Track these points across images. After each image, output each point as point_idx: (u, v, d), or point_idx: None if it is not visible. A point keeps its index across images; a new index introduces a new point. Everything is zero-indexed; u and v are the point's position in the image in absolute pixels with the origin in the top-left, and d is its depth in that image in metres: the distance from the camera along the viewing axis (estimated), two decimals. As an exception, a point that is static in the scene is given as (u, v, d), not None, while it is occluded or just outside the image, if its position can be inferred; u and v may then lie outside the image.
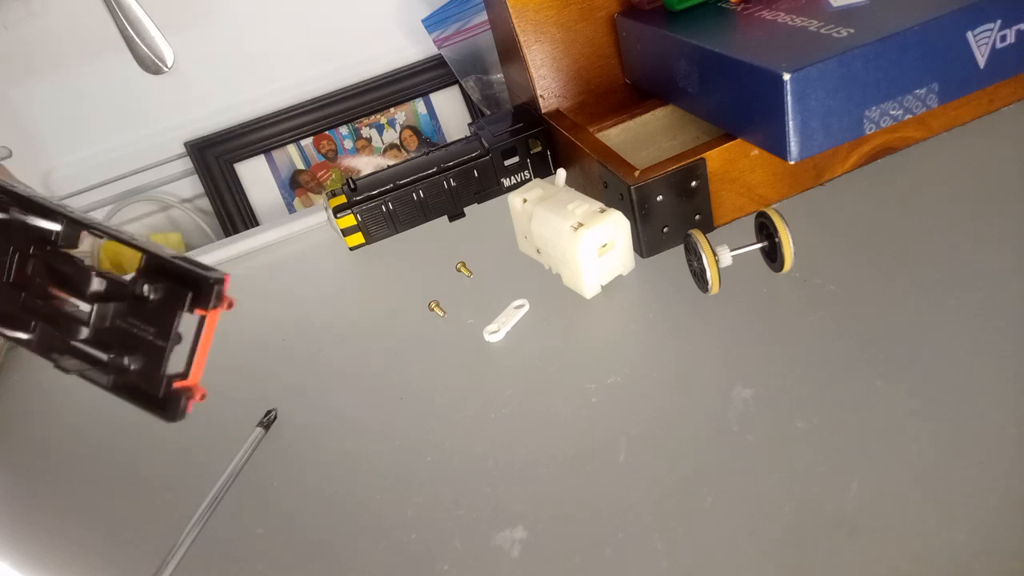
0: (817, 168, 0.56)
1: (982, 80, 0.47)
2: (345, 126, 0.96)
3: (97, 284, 0.27)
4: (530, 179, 0.67)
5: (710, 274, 0.47)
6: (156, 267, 0.26)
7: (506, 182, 0.67)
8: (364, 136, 0.97)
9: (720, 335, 0.48)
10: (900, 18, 0.45)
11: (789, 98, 0.44)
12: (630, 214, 0.53)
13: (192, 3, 0.89)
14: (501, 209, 0.61)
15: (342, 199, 0.64)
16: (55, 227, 0.27)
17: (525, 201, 0.56)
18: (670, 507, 0.38)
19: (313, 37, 0.94)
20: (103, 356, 0.27)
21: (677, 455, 0.41)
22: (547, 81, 0.66)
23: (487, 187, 0.66)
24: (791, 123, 0.45)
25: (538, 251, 0.57)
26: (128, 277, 0.27)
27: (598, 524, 0.38)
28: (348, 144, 0.97)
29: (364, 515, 0.43)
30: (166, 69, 0.76)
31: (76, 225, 0.27)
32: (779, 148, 0.47)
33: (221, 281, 0.26)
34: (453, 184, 0.65)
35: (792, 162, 0.47)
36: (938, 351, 0.42)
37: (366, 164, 0.98)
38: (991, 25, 0.45)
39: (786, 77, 0.43)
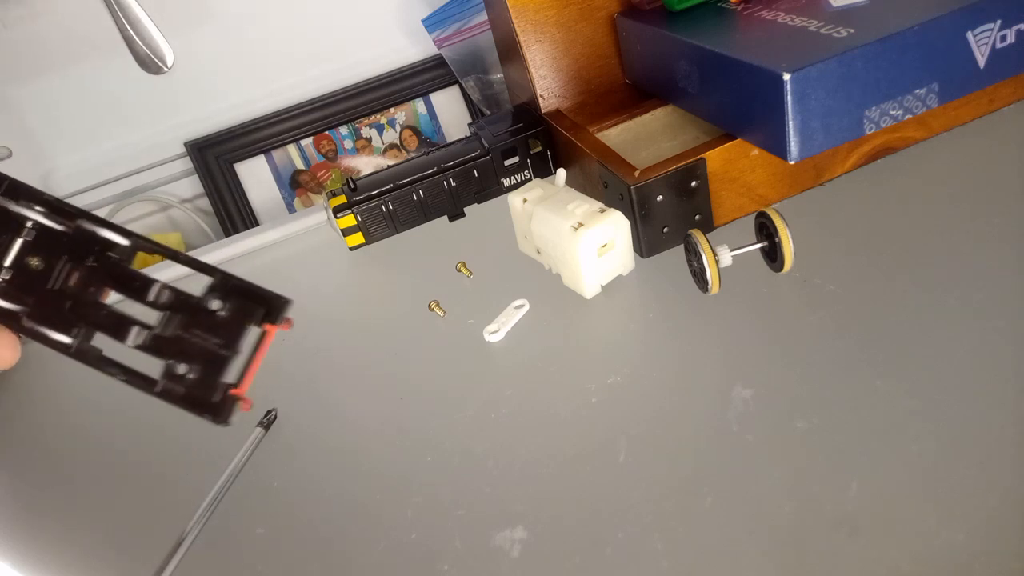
0: (817, 168, 0.56)
1: (982, 80, 0.47)
2: (345, 126, 0.96)
3: (158, 294, 0.29)
4: (530, 179, 0.67)
5: (710, 274, 0.47)
6: (226, 286, 0.29)
7: (506, 182, 0.67)
8: (364, 136, 0.97)
9: (720, 335, 0.48)
10: (900, 18, 0.45)
11: (789, 98, 0.44)
12: (630, 214, 0.53)
13: (192, 3, 0.89)
14: (501, 209, 0.61)
15: (342, 199, 0.64)
16: (123, 241, 0.29)
17: (525, 201, 0.56)
18: (670, 507, 0.38)
19: (313, 37, 0.94)
20: (158, 364, 0.29)
21: (677, 455, 0.41)
22: (547, 81, 0.66)
23: (487, 187, 0.66)
24: (791, 123, 0.45)
25: (538, 251, 0.57)
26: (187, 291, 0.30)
27: (598, 524, 0.38)
28: (348, 144, 0.97)
29: (364, 515, 0.43)
30: (166, 69, 0.76)
31: (139, 241, 0.30)
32: (779, 148, 0.47)
33: (288, 302, 0.29)
34: (453, 184, 0.65)
35: (792, 162, 0.47)
36: (938, 351, 0.42)
37: (366, 164, 0.98)
38: (991, 25, 0.45)
39: (786, 77, 0.43)
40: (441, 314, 0.56)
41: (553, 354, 0.50)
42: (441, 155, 0.65)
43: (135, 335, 0.29)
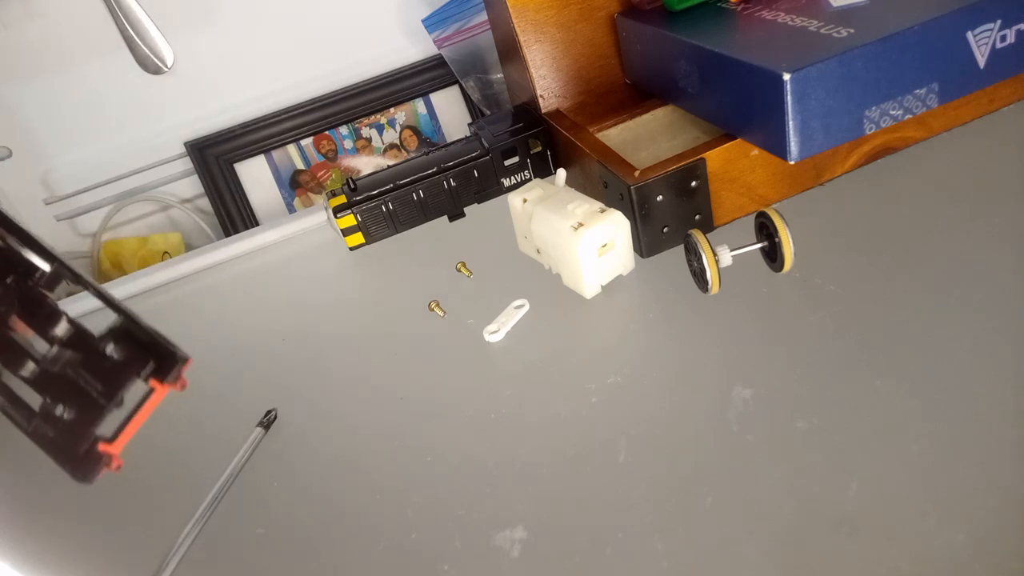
0: (817, 168, 0.56)
1: (982, 80, 0.47)
2: (345, 126, 0.96)
3: (64, 329, 0.27)
4: (530, 179, 0.67)
5: (710, 274, 0.47)
6: (127, 331, 0.26)
7: (506, 182, 0.67)
8: (364, 136, 0.97)
9: (720, 335, 0.48)
10: (900, 18, 0.45)
11: (789, 98, 0.44)
12: (630, 214, 0.53)
13: (192, 3, 0.89)
14: (501, 209, 0.61)
15: (342, 199, 0.64)
16: (45, 265, 0.27)
17: (525, 201, 0.56)
18: (670, 507, 0.38)
19: (313, 37, 0.94)
20: (37, 398, 0.27)
21: (677, 455, 0.41)
22: (547, 81, 0.66)
23: (487, 187, 0.66)
24: (791, 123, 0.45)
25: (538, 251, 0.57)
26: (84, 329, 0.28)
27: (598, 524, 0.38)
28: (348, 144, 0.97)
29: (364, 515, 0.43)
30: (166, 69, 0.76)
31: (65, 271, 0.27)
32: (779, 148, 0.47)
33: (185, 360, 0.26)
34: (453, 184, 0.65)
35: (792, 162, 0.47)
36: (938, 351, 0.42)
37: (366, 164, 0.98)
38: (991, 25, 0.45)
39: (786, 77, 0.43)
40: (441, 314, 0.56)
41: (553, 354, 0.50)
42: (441, 155, 0.65)
43: (24, 364, 0.27)
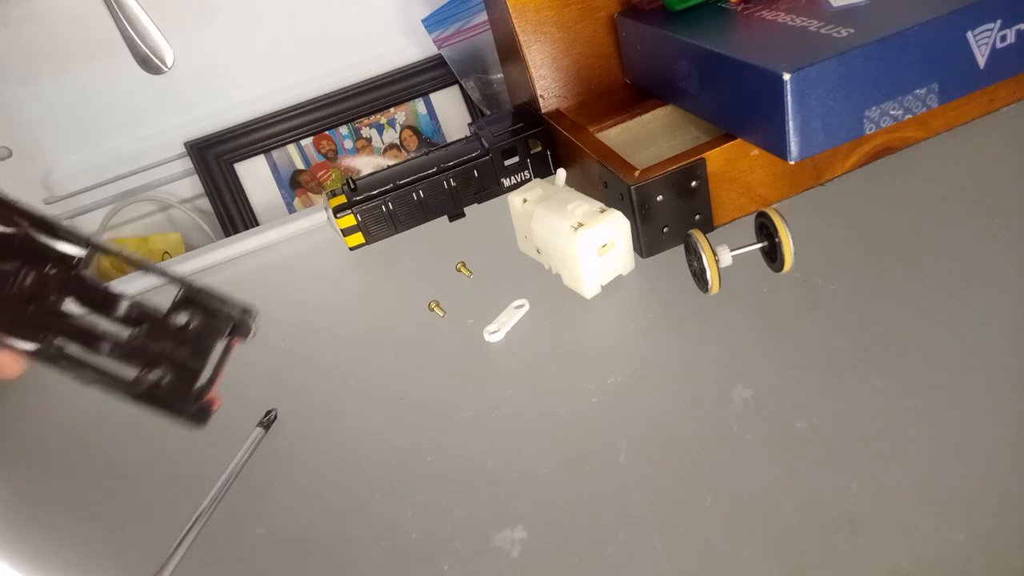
0: (817, 168, 0.56)
1: (982, 80, 0.47)
2: (345, 126, 0.96)
3: (125, 308, 0.30)
4: (530, 179, 0.67)
5: (710, 274, 0.47)
6: (191, 298, 0.30)
7: (506, 182, 0.67)
8: (364, 136, 0.97)
9: (720, 335, 0.48)
10: (900, 18, 0.45)
11: (789, 98, 0.44)
12: (630, 214, 0.53)
13: (192, 3, 0.89)
14: (501, 209, 0.61)
15: (342, 199, 0.64)
16: (78, 251, 0.29)
17: (525, 201, 0.56)
18: (670, 507, 0.38)
19: (313, 37, 0.94)
20: (131, 371, 0.30)
21: (677, 455, 0.41)
22: (547, 81, 0.66)
23: (487, 187, 0.66)
24: (791, 123, 0.45)
25: (538, 251, 0.57)
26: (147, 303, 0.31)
27: (598, 524, 0.38)
28: (348, 144, 0.97)
29: (364, 515, 0.43)
30: (166, 69, 0.76)
31: (97, 250, 0.30)
32: (779, 148, 0.47)
33: (255, 314, 0.30)
34: (453, 184, 0.65)
35: (792, 162, 0.47)
36: (938, 351, 0.42)
37: (366, 164, 0.98)
38: (991, 25, 0.45)
39: (786, 77, 0.43)
40: (441, 314, 0.56)
41: (553, 354, 0.50)
42: (441, 155, 0.65)
43: (105, 345, 0.30)
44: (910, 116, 0.47)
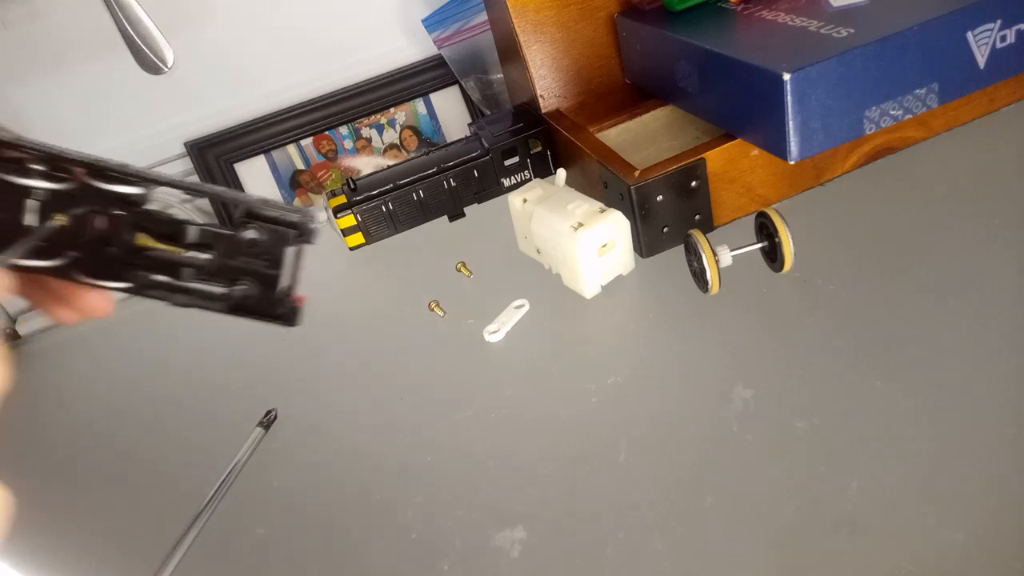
0: (817, 168, 0.56)
1: (982, 80, 0.47)
2: (345, 126, 0.96)
3: (194, 234, 0.32)
4: (530, 179, 0.67)
5: (710, 274, 0.47)
6: (254, 214, 0.31)
7: (506, 182, 0.67)
8: (364, 136, 0.97)
9: (720, 335, 0.48)
10: (900, 18, 0.45)
11: (789, 98, 0.44)
12: (630, 214, 0.53)
13: (192, 3, 0.89)
14: (501, 209, 0.61)
15: (342, 199, 0.64)
16: (135, 190, 0.31)
17: (525, 201, 0.56)
18: (670, 507, 0.38)
19: (313, 37, 0.94)
20: (217, 289, 0.32)
21: (677, 455, 0.41)
22: (547, 81, 0.66)
23: (487, 187, 0.66)
24: (791, 123, 0.45)
25: (538, 251, 0.57)
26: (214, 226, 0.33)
27: (598, 524, 0.38)
28: (348, 144, 0.97)
29: (364, 515, 0.43)
30: (166, 69, 0.76)
31: (152, 184, 0.31)
32: (779, 148, 0.46)
33: (315, 220, 0.32)
34: (453, 184, 0.65)
35: (792, 162, 0.46)
36: (938, 351, 0.42)
37: (366, 164, 0.98)
38: (991, 25, 0.45)
39: (786, 77, 0.43)
40: (441, 314, 0.56)
41: (553, 354, 0.50)
42: (441, 155, 0.65)
43: (187, 271, 0.32)
44: (910, 116, 0.47)
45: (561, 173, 0.57)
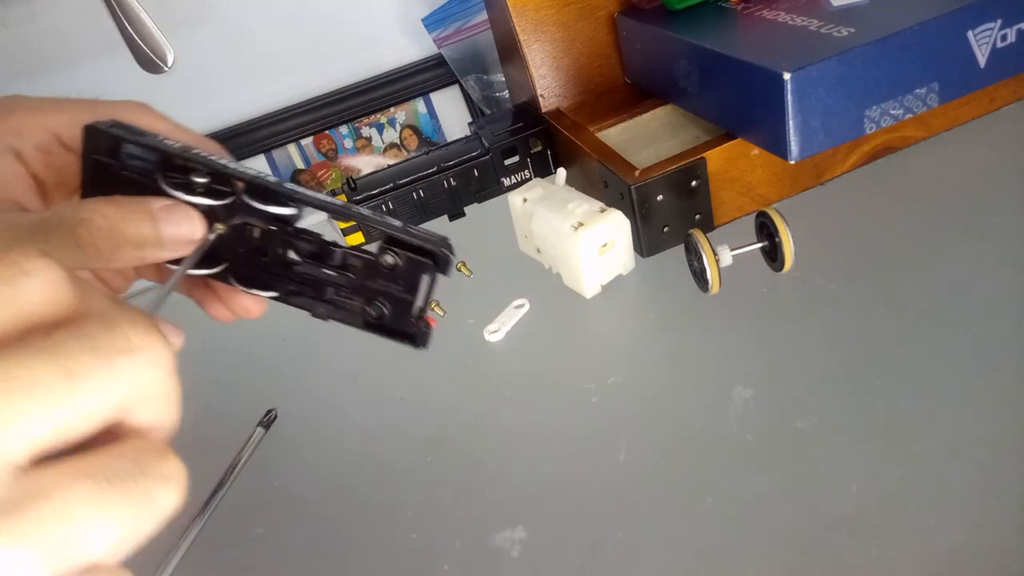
0: (817, 168, 0.56)
1: (982, 80, 0.47)
2: (345, 126, 0.96)
3: (339, 256, 0.34)
4: (530, 179, 0.67)
5: (710, 274, 0.47)
6: (396, 240, 0.33)
7: (506, 182, 0.67)
8: (364, 136, 0.97)
9: (720, 335, 0.48)
10: (900, 17, 0.45)
11: (789, 98, 0.44)
12: (630, 214, 0.53)
13: (192, 3, 0.89)
14: (501, 209, 0.61)
15: (342, 198, 0.64)
16: (288, 211, 0.33)
17: (525, 201, 0.56)
18: (670, 507, 0.38)
19: (313, 37, 0.94)
20: (356, 306, 0.34)
21: (677, 455, 0.41)
22: (547, 81, 0.65)
23: (487, 187, 0.66)
24: (791, 123, 0.45)
25: (538, 251, 0.57)
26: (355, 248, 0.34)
27: (598, 524, 0.38)
28: (348, 144, 0.97)
29: (364, 515, 0.43)
30: (166, 69, 0.76)
31: (304, 205, 0.33)
32: (779, 148, 0.46)
33: (451, 248, 0.33)
34: (453, 184, 0.65)
35: (792, 162, 0.46)
36: (938, 351, 0.42)
37: (366, 164, 0.98)
38: (991, 24, 0.45)
39: (786, 77, 0.43)
40: (441, 314, 0.56)
41: (553, 354, 0.50)
42: (441, 154, 0.65)
43: (330, 289, 0.34)
44: (910, 116, 0.47)
45: (561, 172, 0.57)
